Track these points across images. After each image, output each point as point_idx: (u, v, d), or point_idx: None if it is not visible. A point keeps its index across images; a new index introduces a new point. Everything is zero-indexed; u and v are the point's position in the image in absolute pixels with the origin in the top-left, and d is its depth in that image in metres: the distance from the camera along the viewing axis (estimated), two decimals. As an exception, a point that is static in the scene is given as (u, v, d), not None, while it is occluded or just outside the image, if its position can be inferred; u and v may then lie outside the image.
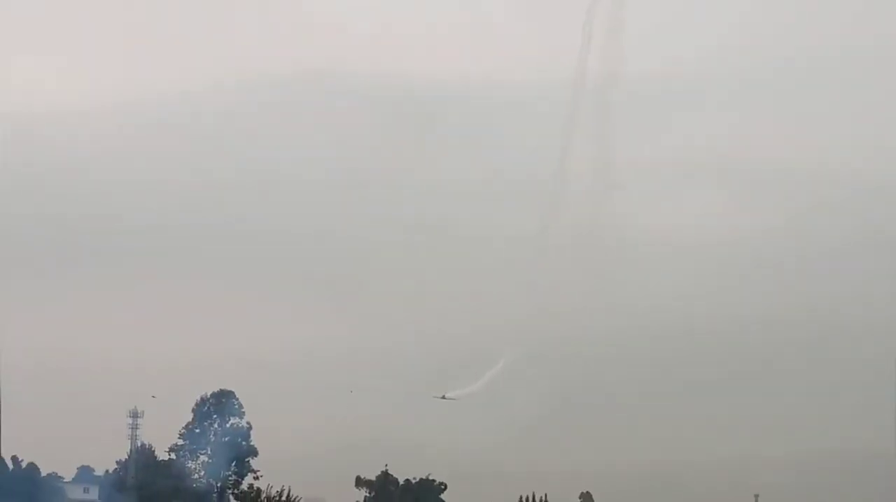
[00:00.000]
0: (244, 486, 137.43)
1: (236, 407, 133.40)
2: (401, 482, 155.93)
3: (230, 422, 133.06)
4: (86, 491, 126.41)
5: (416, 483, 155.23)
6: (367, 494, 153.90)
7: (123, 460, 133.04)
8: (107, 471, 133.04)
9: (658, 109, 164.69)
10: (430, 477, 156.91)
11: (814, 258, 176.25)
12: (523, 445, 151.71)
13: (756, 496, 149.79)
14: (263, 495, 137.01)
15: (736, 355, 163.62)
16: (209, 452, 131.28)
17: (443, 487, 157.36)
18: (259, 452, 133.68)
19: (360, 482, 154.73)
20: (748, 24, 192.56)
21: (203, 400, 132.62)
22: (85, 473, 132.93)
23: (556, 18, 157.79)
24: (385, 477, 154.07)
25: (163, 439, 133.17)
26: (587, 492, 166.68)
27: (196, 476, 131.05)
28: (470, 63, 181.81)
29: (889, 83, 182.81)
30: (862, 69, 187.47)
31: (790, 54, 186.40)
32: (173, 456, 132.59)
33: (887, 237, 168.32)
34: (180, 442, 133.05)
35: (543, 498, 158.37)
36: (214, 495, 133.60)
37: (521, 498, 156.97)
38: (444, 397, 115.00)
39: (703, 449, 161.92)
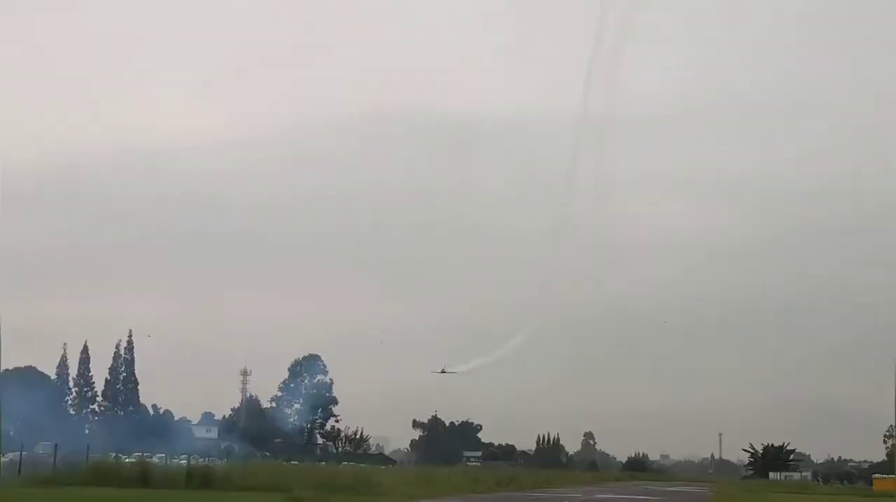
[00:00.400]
0: (327, 427, 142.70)
1: (322, 366, 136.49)
2: (447, 424, 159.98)
3: (317, 379, 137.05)
4: (208, 431, 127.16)
5: (458, 425, 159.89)
6: (422, 433, 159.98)
7: (236, 407, 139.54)
8: (224, 416, 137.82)
9: (638, 134, 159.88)
10: (470, 420, 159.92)
11: (765, 248, 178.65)
12: (540, 396, 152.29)
13: (720, 434, 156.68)
14: (342, 434, 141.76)
15: (707, 324, 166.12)
16: (301, 402, 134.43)
17: (479, 428, 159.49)
18: (339, 401, 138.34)
19: (415, 424, 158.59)
20: (714, 59, 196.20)
21: (296, 362, 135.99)
22: (207, 418, 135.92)
23: (562, 56, 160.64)
24: (435, 420, 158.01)
25: (265, 391, 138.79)
26: (589, 432, 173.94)
27: (291, 420, 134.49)
28: (495, 97, 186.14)
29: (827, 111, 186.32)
30: (806, 102, 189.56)
31: (750, 88, 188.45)
32: (273, 404, 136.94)
33: (835, 232, 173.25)
34: (279, 393, 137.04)
35: (556, 436, 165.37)
36: (305, 434, 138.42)
37: (538, 435, 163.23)
38: (443, 371, 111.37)
39: (680, 396, 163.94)
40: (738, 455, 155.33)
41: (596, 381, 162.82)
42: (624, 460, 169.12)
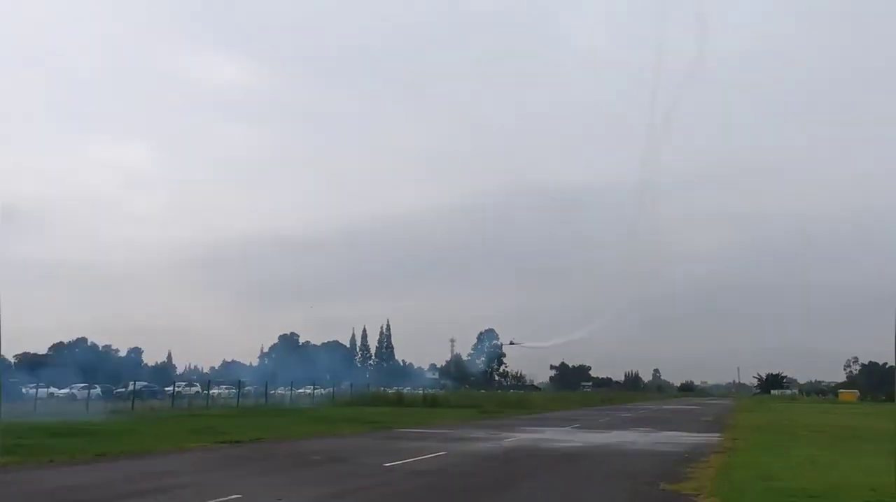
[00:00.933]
0: (500, 371, 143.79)
1: (495, 335, 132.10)
2: (570, 366, 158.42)
3: (493, 343, 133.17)
4: (432, 374, 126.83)
5: (577, 366, 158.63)
6: (556, 372, 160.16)
7: (448, 360, 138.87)
8: (441, 365, 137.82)
9: (676, 191, 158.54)
10: (584, 364, 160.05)
11: (763, 254, 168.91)
12: (625, 346, 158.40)
13: (738, 367, 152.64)
14: (509, 374, 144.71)
15: (727, 298, 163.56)
16: (484, 356, 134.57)
17: (590, 368, 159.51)
18: (506, 355, 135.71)
19: (552, 367, 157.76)
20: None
21: (481, 333, 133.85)
22: (432, 367, 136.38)
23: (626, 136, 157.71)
24: (564, 364, 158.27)
25: (464, 350, 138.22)
26: (657, 368, 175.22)
27: (479, 367, 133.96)
28: (582, 171, 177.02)
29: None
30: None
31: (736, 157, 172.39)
32: (469, 358, 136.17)
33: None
34: (471, 351, 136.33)
35: (636, 372, 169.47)
36: (487, 375, 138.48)
37: (625, 372, 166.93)
38: (511, 343, 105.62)
39: (713, 343, 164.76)
40: (749, 380, 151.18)
41: (661, 337, 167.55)
42: (678, 385, 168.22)
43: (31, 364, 60.64)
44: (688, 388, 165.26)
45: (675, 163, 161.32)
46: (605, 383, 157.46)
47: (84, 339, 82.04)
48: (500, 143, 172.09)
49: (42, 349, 73.55)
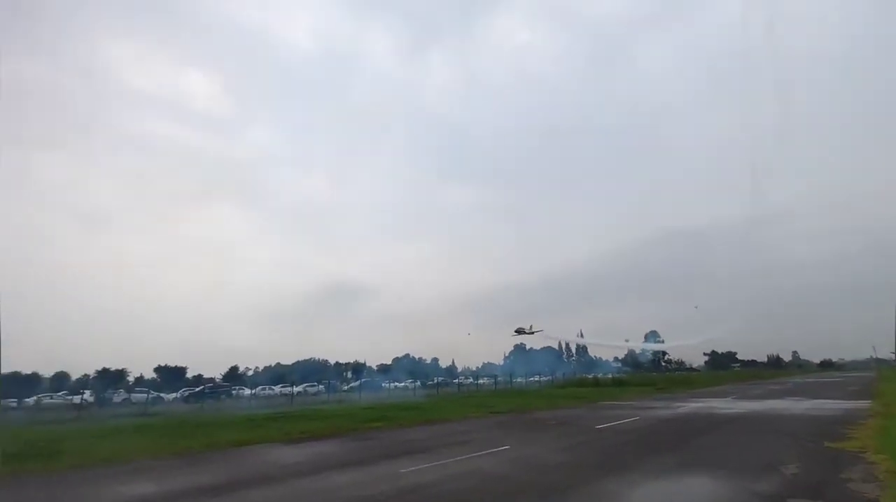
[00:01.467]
0: (664, 360, 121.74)
1: (657, 335, 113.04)
2: (720, 352, 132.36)
3: (655, 340, 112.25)
4: (616, 363, 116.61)
5: (725, 352, 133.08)
6: (708, 357, 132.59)
7: (625, 354, 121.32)
8: (621, 358, 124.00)
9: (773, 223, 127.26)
10: (730, 351, 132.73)
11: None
12: (765, 334, 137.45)
13: (873, 346, 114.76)
14: (672, 361, 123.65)
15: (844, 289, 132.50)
16: (651, 352, 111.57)
17: (735, 353, 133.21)
18: (667, 352, 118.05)
19: (704, 354, 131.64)
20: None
21: (647, 334, 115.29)
22: (615, 359, 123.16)
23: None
24: (714, 352, 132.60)
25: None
26: (795, 350, 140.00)
27: (647, 357, 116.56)
28: (704, 213, 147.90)
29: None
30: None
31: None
32: (642, 352, 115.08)
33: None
34: (643, 348, 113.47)
35: (777, 354, 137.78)
36: (654, 362, 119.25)
37: (767, 355, 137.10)
38: (530, 331, 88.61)
39: (849, 328, 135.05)
40: (886, 355, 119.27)
41: (797, 324, 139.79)
42: (818, 362, 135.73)
43: (383, 370, 67.81)
44: (827, 365, 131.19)
45: (777, 201, 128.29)
46: (751, 364, 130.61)
47: (408, 354, 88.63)
48: (638, 205, 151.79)
49: (388, 360, 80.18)
